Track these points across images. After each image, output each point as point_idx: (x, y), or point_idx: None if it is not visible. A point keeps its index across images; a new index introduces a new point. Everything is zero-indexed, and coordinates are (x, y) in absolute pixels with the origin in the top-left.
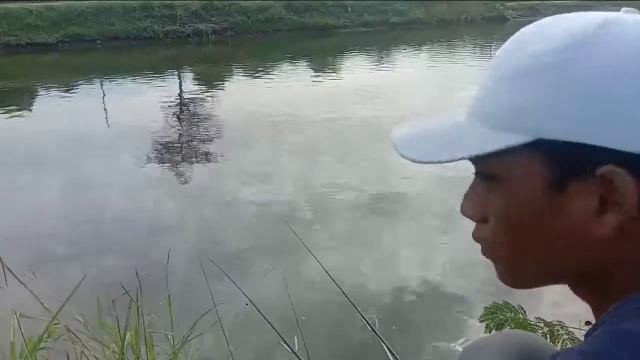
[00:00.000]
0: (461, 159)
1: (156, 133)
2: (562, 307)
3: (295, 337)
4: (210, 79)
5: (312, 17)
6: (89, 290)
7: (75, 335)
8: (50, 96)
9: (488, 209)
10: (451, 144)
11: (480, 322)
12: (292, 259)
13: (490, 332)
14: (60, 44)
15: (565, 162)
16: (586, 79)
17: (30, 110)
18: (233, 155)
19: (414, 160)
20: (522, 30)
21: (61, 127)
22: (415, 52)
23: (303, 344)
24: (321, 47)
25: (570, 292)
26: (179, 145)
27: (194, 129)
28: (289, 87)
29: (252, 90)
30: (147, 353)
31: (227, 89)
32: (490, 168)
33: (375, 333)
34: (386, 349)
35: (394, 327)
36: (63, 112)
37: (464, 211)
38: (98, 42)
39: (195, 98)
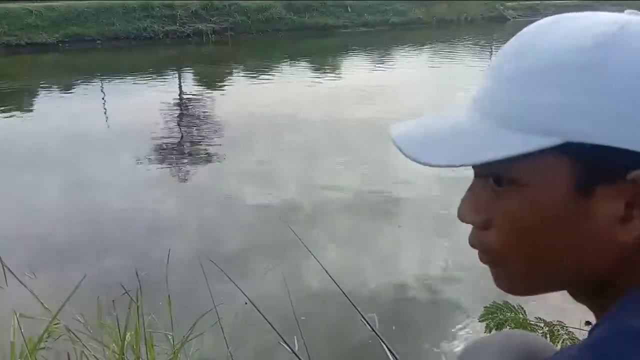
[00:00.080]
0: (485, 162)
1: (156, 133)
2: (562, 307)
3: (295, 337)
4: (210, 79)
5: (312, 17)
6: (89, 290)
7: (75, 335)
8: (50, 96)
9: (495, 214)
10: (474, 147)
11: (480, 322)
12: (292, 259)
13: (490, 332)
14: (60, 44)
15: (595, 166)
16: (617, 79)
17: (30, 110)
18: (233, 155)
19: (432, 165)
20: (533, 26)
21: (61, 127)
22: (415, 52)
23: (303, 344)
24: (321, 47)
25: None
26: (179, 145)
27: (194, 129)
28: (289, 87)
29: (252, 90)
30: (147, 353)
31: (227, 89)
32: (508, 172)
33: (375, 333)
34: (386, 349)
35: (394, 327)
36: (63, 112)
37: (463, 216)
38: (98, 42)
39: (195, 98)
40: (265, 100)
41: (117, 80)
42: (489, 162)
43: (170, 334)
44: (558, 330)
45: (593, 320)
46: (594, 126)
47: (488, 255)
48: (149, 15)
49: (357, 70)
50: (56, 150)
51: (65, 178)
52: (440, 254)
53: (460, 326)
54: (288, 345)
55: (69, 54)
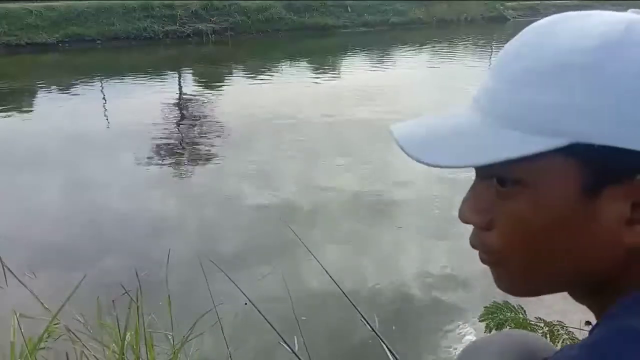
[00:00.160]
0: (492, 163)
1: (156, 133)
2: (562, 307)
3: (295, 337)
4: (210, 79)
5: (312, 17)
6: (89, 290)
7: (75, 335)
8: (50, 96)
9: (498, 215)
10: (475, 147)
11: (480, 321)
12: (291, 259)
13: (490, 331)
14: (60, 44)
15: (602, 167)
16: (625, 80)
17: (30, 110)
18: (233, 155)
19: (436, 165)
20: (534, 26)
21: (61, 127)
22: (415, 52)
23: (303, 344)
24: (321, 47)
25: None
26: (179, 145)
27: (194, 129)
28: (289, 87)
29: (252, 90)
30: (147, 353)
31: (227, 89)
32: (513, 173)
33: (376, 333)
34: (386, 349)
35: (394, 327)
36: (63, 112)
37: (464, 217)
38: (98, 42)
39: (195, 98)
40: (265, 100)
41: (117, 80)
42: (493, 163)
43: (170, 334)
44: (558, 330)
45: (593, 320)
46: (597, 127)
47: (489, 256)
48: (149, 15)
49: (357, 70)
50: (56, 150)
51: (65, 178)
52: (440, 254)
53: (460, 326)
54: (288, 345)
55: (69, 54)
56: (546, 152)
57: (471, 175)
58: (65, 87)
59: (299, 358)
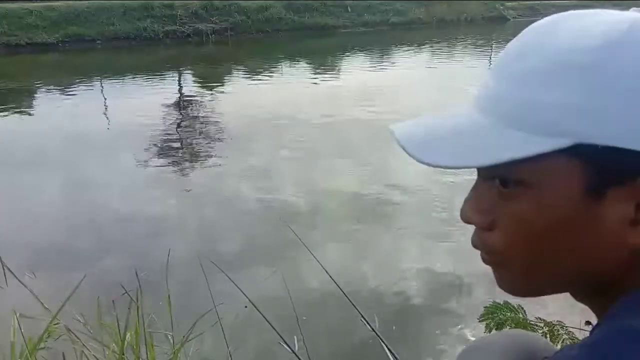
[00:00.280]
0: (494, 164)
1: (156, 133)
2: (562, 306)
3: (295, 337)
4: (210, 79)
5: (312, 17)
6: (89, 290)
7: (75, 335)
8: (50, 96)
9: (501, 215)
10: (477, 147)
11: (480, 322)
12: (291, 259)
13: (490, 331)
14: (60, 44)
15: (606, 168)
16: (628, 79)
17: (30, 110)
18: (232, 155)
19: (437, 165)
20: (536, 25)
21: (61, 127)
22: (415, 52)
23: (303, 343)
24: (321, 47)
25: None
26: (178, 145)
27: (194, 129)
28: (289, 87)
29: (252, 90)
30: (147, 353)
31: (227, 89)
32: (515, 173)
33: (376, 333)
34: (386, 349)
35: (394, 327)
36: (63, 112)
37: (466, 217)
38: (98, 42)
39: (195, 98)
40: (265, 100)
41: (117, 81)
42: (496, 164)
43: (170, 334)
44: (558, 330)
45: (593, 320)
46: (599, 127)
47: (491, 256)
48: (149, 15)
49: (357, 70)
50: (56, 150)
51: (65, 178)
52: (441, 254)
53: (460, 326)
54: (288, 345)
55: (69, 54)
56: (549, 153)
57: (472, 175)
58: (65, 87)
59: (299, 358)
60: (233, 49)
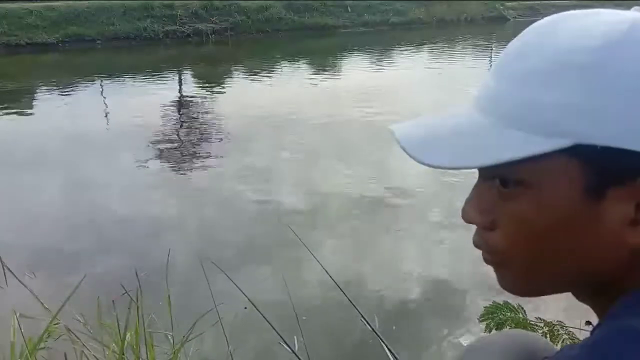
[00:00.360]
0: (494, 164)
1: (156, 133)
2: (562, 307)
3: (295, 337)
4: (210, 79)
5: (312, 17)
6: (89, 290)
7: (75, 335)
8: (50, 96)
9: (501, 215)
10: (480, 148)
11: (480, 321)
12: (291, 259)
13: (490, 332)
14: (60, 44)
15: (605, 168)
16: (628, 79)
17: (30, 110)
18: (232, 155)
19: (437, 166)
20: (536, 25)
21: (61, 127)
22: (415, 52)
23: (303, 343)
24: (321, 47)
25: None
26: (178, 145)
27: (194, 129)
28: (289, 87)
29: (252, 90)
30: (147, 353)
31: (227, 89)
32: (515, 173)
33: (376, 333)
34: (386, 349)
35: (394, 327)
36: (63, 112)
37: (467, 217)
38: (98, 42)
39: (195, 98)
40: (265, 100)
41: (117, 80)
42: (496, 164)
43: (170, 334)
44: (558, 330)
45: (593, 320)
46: (599, 128)
47: (493, 256)
48: (149, 15)
49: (357, 70)
50: (56, 151)
51: (65, 178)
52: (441, 255)
53: (460, 326)
54: (288, 345)
55: (69, 54)
56: (549, 153)
57: (473, 174)
58: (65, 87)
59: (298, 358)
60: (233, 49)
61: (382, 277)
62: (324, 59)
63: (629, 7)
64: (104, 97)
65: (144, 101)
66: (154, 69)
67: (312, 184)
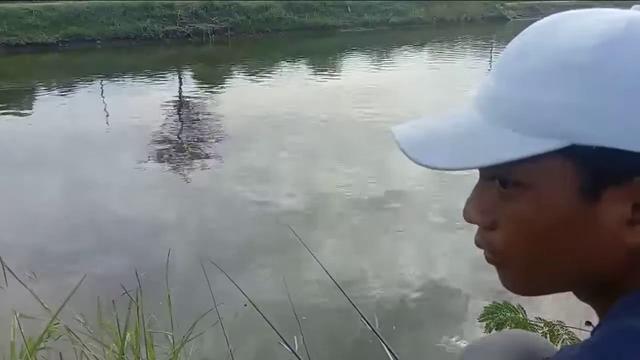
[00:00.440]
0: (491, 165)
1: (156, 133)
2: (562, 307)
3: (295, 337)
4: (210, 79)
5: (312, 17)
6: (89, 290)
7: (75, 335)
8: (50, 96)
9: (501, 215)
10: (478, 149)
11: (480, 322)
12: (291, 259)
13: (490, 332)
14: (60, 44)
15: (600, 169)
16: (627, 78)
17: (30, 110)
18: (232, 155)
19: (434, 167)
20: (536, 25)
21: (61, 127)
22: (415, 52)
23: (303, 343)
24: (321, 47)
25: (571, 292)
26: (178, 145)
27: (194, 129)
28: (289, 87)
29: (252, 90)
30: (147, 353)
31: (227, 89)
32: (513, 174)
33: (376, 333)
34: (386, 349)
35: (394, 327)
36: (63, 112)
37: (468, 217)
38: (98, 42)
39: (195, 98)
40: (265, 100)
41: (117, 80)
42: (494, 165)
43: (170, 334)
44: (558, 330)
45: (593, 320)
46: (598, 128)
47: (494, 255)
48: (149, 15)
49: (357, 70)
50: (56, 151)
51: (65, 178)
52: (440, 255)
53: (460, 326)
54: (288, 345)
55: (69, 54)
56: (546, 154)
57: (474, 175)
58: (65, 87)
59: (298, 358)
60: (233, 49)
61: (382, 277)
62: (324, 59)
63: (629, 7)
64: (104, 97)
65: (144, 101)
66: (154, 69)
67: (312, 184)
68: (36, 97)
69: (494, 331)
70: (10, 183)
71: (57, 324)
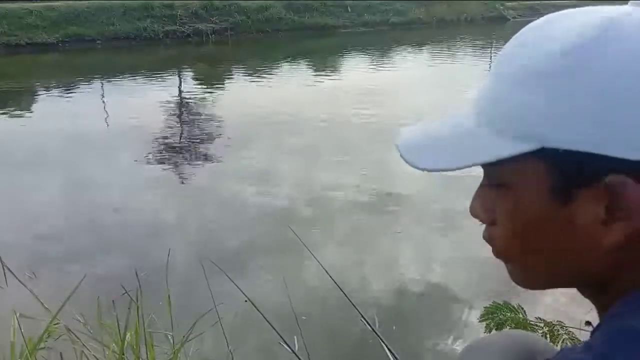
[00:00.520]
0: (472, 166)
1: (156, 133)
2: (562, 307)
3: (295, 336)
4: (210, 79)
5: (312, 17)
6: (89, 290)
7: (75, 335)
8: (50, 96)
9: (497, 212)
10: (463, 151)
11: (480, 322)
12: (292, 259)
13: (490, 332)
14: (60, 44)
15: (571, 171)
16: (595, 84)
17: (30, 110)
18: (232, 155)
19: (425, 170)
20: (526, 28)
21: (61, 127)
22: (415, 52)
23: (303, 343)
24: (321, 47)
25: (571, 292)
26: (178, 145)
27: (194, 129)
28: (289, 87)
29: (252, 90)
30: (147, 353)
31: (227, 89)
32: (497, 174)
33: (376, 333)
34: (386, 349)
35: (394, 327)
36: (63, 112)
37: (474, 213)
38: (98, 42)
39: (195, 98)
40: (265, 100)
41: (117, 80)
42: (469, 166)
43: (170, 334)
44: (558, 330)
45: (593, 320)
46: (568, 132)
47: (498, 250)
48: (149, 15)
49: (356, 70)
50: (56, 150)
51: (66, 178)
52: (440, 255)
53: (460, 326)
54: (288, 345)
55: (69, 54)
56: (523, 155)
57: (469, 173)
58: (65, 87)
59: (298, 358)
60: (233, 49)
61: (382, 277)
62: (324, 59)
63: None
64: (104, 97)
65: (144, 101)
66: (154, 69)
67: (312, 184)
68: (36, 97)
69: (494, 331)
70: (10, 183)
71: (57, 324)
